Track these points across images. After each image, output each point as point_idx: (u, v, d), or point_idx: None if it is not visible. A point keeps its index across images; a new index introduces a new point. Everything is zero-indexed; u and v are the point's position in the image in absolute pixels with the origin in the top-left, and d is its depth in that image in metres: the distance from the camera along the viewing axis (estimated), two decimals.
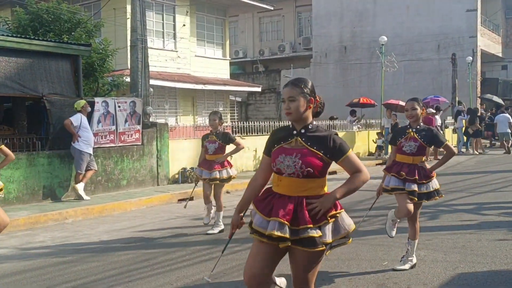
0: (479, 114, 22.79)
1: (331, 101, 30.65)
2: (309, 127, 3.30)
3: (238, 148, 7.73)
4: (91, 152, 10.52)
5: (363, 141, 20.47)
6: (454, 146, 22.86)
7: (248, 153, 15.19)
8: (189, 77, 19.95)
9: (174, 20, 19.95)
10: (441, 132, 20.45)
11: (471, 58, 27.54)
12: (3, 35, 10.75)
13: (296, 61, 33.07)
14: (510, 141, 20.97)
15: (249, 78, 32.17)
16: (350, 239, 3.33)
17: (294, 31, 34.40)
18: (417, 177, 5.34)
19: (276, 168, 3.29)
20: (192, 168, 12.88)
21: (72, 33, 14.06)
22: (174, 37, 19.91)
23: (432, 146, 5.76)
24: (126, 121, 11.81)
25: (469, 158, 19.30)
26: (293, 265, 3.28)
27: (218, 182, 7.60)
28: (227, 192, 11.38)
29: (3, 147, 6.33)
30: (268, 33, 35.39)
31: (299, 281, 3.28)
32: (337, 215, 3.26)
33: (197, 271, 5.61)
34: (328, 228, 3.20)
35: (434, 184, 5.46)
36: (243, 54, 34.05)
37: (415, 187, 5.34)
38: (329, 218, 3.20)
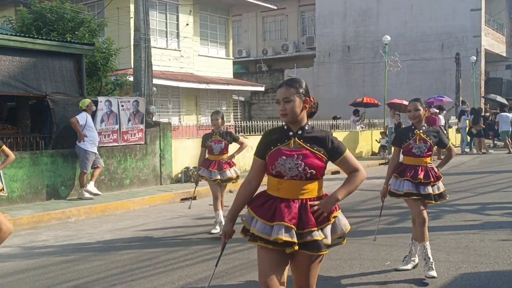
0: (482, 114, 22.72)
1: (334, 100, 30.82)
2: (306, 128, 3.24)
3: (243, 147, 7.63)
4: (96, 151, 10.55)
5: (366, 141, 20.45)
6: (457, 146, 22.84)
7: (251, 153, 14.99)
8: (192, 77, 19.96)
9: (177, 20, 19.96)
10: (445, 132, 20.43)
11: (475, 57, 27.46)
12: (6, 34, 10.77)
13: (300, 60, 33.05)
14: None
15: (252, 78, 32.17)
16: (345, 240, 3.30)
17: (297, 30, 34.38)
18: (432, 180, 5.26)
19: (275, 171, 3.17)
20: (195, 167, 12.89)
21: (76, 32, 14.09)
22: (178, 36, 19.92)
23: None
24: (129, 120, 11.82)
25: (472, 158, 19.25)
26: (295, 268, 3.22)
27: (233, 181, 7.53)
28: (230, 192, 11.38)
29: (4, 147, 6.34)
30: (271, 33, 35.38)
31: (302, 284, 3.23)
32: (337, 215, 3.25)
33: (199, 270, 5.62)
34: (329, 229, 3.18)
35: (442, 185, 5.42)
36: (246, 54, 34.06)
37: (430, 189, 5.27)
38: (331, 219, 3.18)
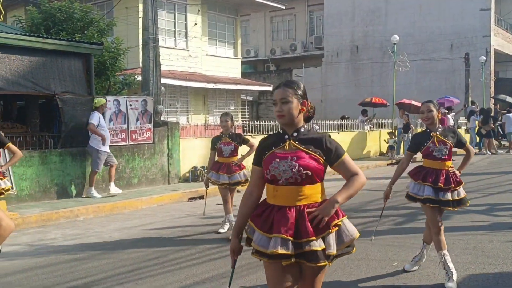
0: (492, 114, 22.60)
1: (343, 100, 30.78)
2: (301, 130, 3.10)
3: (252, 149, 7.34)
4: (108, 150, 10.62)
5: (374, 141, 20.39)
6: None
7: None
8: (200, 76, 19.99)
9: (185, 19, 20.00)
10: None
11: (484, 57, 27.30)
12: (16, 34, 10.84)
13: (308, 60, 33.01)
14: None
15: (260, 77, 32.17)
16: (355, 248, 3.09)
17: (305, 30, 34.34)
18: (452, 185, 5.07)
19: (270, 176, 3.02)
20: (202, 167, 12.92)
21: (85, 32, 14.15)
22: (186, 36, 19.95)
23: None
24: (137, 119, 11.86)
25: (482, 158, 19.14)
26: (301, 278, 3.06)
27: (242, 184, 7.35)
28: (237, 191, 11.38)
29: (10, 144, 6.33)
30: (279, 32, 35.36)
31: None
32: (339, 223, 3.01)
33: (207, 270, 5.63)
34: (332, 238, 2.97)
35: (462, 191, 5.19)
36: (254, 53, 34.06)
37: (449, 196, 5.06)
38: (332, 228, 2.96)
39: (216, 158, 7.47)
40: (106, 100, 11.01)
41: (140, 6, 15.68)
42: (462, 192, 5.18)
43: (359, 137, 19.57)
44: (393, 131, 20.17)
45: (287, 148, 3.06)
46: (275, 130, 16.10)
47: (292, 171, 2.97)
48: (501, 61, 33.22)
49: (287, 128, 3.11)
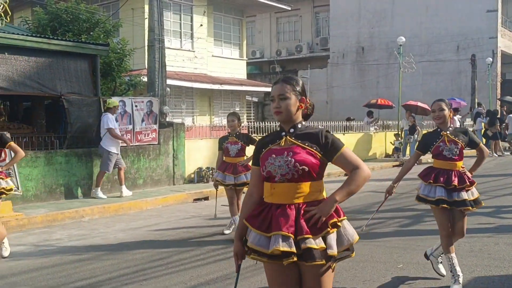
0: (498, 116, 22.51)
1: (348, 102, 30.74)
2: (299, 126, 3.02)
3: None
4: (119, 152, 10.67)
5: (380, 143, 20.34)
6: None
7: None
8: (206, 77, 20.01)
9: (191, 20, 20.03)
10: None
11: (491, 59, 27.19)
12: (23, 34, 10.88)
13: (314, 61, 32.98)
14: None
15: (266, 79, 32.15)
16: (353, 253, 2.96)
17: (311, 31, 34.32)
18: (468, 183, 4.95)
19: (266, 172, 2.94)
20: (208, 168, 12.93)
21: (91, 33, 14.20)
22: (192, 37, 19.98)
23: None
24: (143, 120, 11.89)
25: (488, 160, 19.01)
26: (303, 282, 2.93)
27: (247, 186, 7.21)
28: (243, 193, 11.39)
29: (11, 143, 6.30)
30: (285, 33, 35.35)
31: None
32: (339, 223, 2.88)
33: (211, 271, 5.62)
34: (333, 238, 2.85)
35: (476, 191, 5.07)
36: (260, 54, 34.07)
37: (464, 195, 4.92)
38: (330, 227, 2.83)
39: (224, 159, 7.43)
40: (103, 100, 11.05)
41: (146, 7, 15.72)
42: (475, 192, 5.05)
43: (365, 139, 19.53)
44: (399, 132, 20.11)
45: (283, 144, 2.98)
46: None
47: (288, 166, 2.88)
48: (508, 62, 33.06)
49: (284, 125, 3.04)
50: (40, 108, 12.15)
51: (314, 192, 2.93)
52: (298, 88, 3.02)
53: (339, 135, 18.25)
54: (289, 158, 2.89)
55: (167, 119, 13.00)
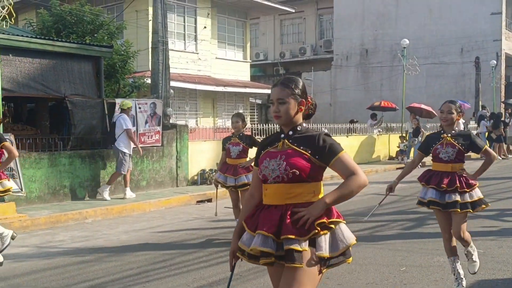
0: (502, 118, 22.45)
1: (352, 104, 30.70)
2: (298, 128, 2.97)
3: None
4: (131, 153, 10.76)
5: (383, 145, 20.31)
6: None
7: None
8: (209, 79, 20.03)
9: (195, 22, 20.05)
10: None
11: (495, 61, 27.13)
12: (27, 36, 10.92)
13: (317, 63, 32.97)
14: None
15: (270, 81, 32.11)
16: (351, 258, 2.91)
17: (315, 33, 34.30)
18: (458, 185, 4.89)
19: (262, 175, 2.94)
20: (211, 170, 12.93)
21: (95, 35, 14.24)
22: (195, 39, 20.01)
23: None
24: (146, 122, 11.90)
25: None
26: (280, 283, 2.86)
27: (247, 187, 7.11)
28: None
29: (5, 143, 6.22)
30: (289, 36, 35.35)
31: None
32: (332, 225, 2.83)
33: (214, 273, 5.62)
34: (324, 240, 2.79)
35: (478, 193, 4.97)
36: (263, 57, 34.07)
37: (456, 197, 4.86)
38: (318, 228, 2.77)
39: (226, 160, 7.41)
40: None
41: (150, 9, 15.75)
42: (475, 194, 4.95)
43: (368, 141, 19.50)
44: (405, 135, 20.07)
45: (279, 147, 2.97)
46: None
47: (279, 170, 2.87)
48: None
49: (284, 127, 3.01)
50: (44, 109, 12.18)
51: (307, 194, 2.88)
52: (297, 91, 2.96)
53: (342, 138, 18.24)
54: (281, 162, 2.88)
55: (171, 121, 13.01)
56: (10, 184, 6.52)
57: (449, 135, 4.99)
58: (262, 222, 2.84)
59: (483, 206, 5.01)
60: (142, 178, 11.68)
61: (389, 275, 5.43)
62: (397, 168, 17.63)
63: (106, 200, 10.32)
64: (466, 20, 28.96)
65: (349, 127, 19.41)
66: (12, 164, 8.45)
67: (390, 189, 5.25)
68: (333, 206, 2.91)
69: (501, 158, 20.44)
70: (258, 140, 7.44)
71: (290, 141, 2.95)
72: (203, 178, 12.99)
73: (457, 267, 4.94)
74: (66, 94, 10.73)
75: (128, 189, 10.73)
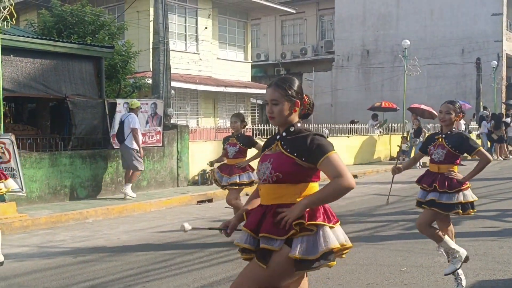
0: (504, 119, 22.44)
1: (353, 104, 30.70)
2: (291, 129, 2.97)
3: (259, 153, 7.10)
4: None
5: (384, 146, 20.30)
6: None
7: None
8: (210, 80, 20.03)
9: (196, 23, 20.06)
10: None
11: (496, 62, 27.12)
12: (28, 37, 10.93)
13: (318, 64, 32.98)
14: None
15: (271, 81, 32.09)
16: (334, 262, 2.84)
17: (316, 34, 34.31)
18: (436, 185, 4.90)
19: (258, 177, 3.05)
20: (212, 170, 12.92)
21: (96, 35, 14.25)
22: (196, 39, 20.01)
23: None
24: (147, 122, 11.91)
25: (493, 163, 18.95)
26: None
27: (237, 187, 7.25)
28: (246, 195, 11.39)
29: None
30: (290, 36, 35.35)
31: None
32: (313, 228, 2.80)
33: (215, 273, 5.62)
34: (301, 242, 2.77)
35: (463, 196, 4.91)
36: (264, 57, 34.08)
37: (432, 195, 4.92)
38: (296, 229, 2.77)
39: (225, 160, 7.48)
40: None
41: (151, 10, 15.75)
42: (461, 196, 4.91)
43: (369, 142, 19.49)
44: (406, 135, 20.06)
45: (273, 149, 3.00)
46: None
47: (266, 173, 2.93)
48: None
49: (280, 128, 3.03)
50: (45, 109, 12.19)
51: (292, 196, 2.88)
52: (291, 92, 2.94)
53: (343, 138, 18.25)
54: (269, 165, 2.93)
55: (172, 121, 13.02)
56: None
57: (443, 136, 5.00)
58: (248, 220, 2.97)
59: (459, 211, 4.92)
60: (142, 178, 11.68)
61: (390, 276, 5.42)
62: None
63: (132, 197, 10.45)
64: (467, 21, 28.96)
65: (350, 128, 19.41)
66: (13, 164, 8.46)
67: (394, 171, 5.23)
68: (326, 208, 2.90)
69: (502, 159, 20.42)
70: (257, 141, 7.45)
71: (282, 143, 2.96)
72: (204, 178, 12.99)
73: (457, 268, 4.93)
74: (67, 94, 10.74)
75: (129, 186, 10.67)
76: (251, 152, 7.39)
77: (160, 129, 12.16)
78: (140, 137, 10.80)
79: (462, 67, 29.02)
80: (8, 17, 8.61)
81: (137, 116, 10.86)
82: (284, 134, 2.99)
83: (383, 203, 9.48)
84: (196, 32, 20.03)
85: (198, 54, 20.09)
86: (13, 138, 8.61)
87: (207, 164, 8.05)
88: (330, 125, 18.59)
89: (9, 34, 10.08)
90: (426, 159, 5.48)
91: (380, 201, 10.15)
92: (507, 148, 21.38)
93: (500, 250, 6.38)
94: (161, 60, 12.57)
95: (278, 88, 2.96)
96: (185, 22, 19.79)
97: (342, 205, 10.23)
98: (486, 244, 6.68)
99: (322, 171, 2.87)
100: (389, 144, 20.50)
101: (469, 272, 5.42)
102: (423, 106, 20.73)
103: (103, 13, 15.65)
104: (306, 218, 2.80)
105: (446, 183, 4.91)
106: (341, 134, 18.51)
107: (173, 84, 14.57)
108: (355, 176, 15.15)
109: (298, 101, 2.97)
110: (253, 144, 7.30)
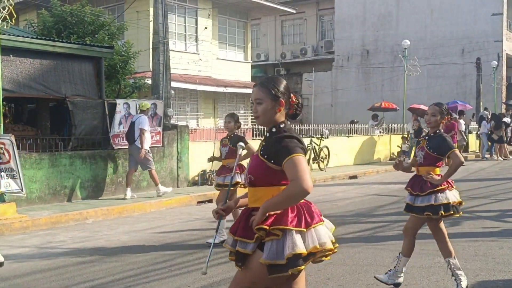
0: (504, 119, 22.43)
1: (353, 105, 30.70)
2: (273, 130, 2.92)
3: (249, 153, 6.98)
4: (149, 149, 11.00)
5: (384, 146, 20.30)
6: (477, 152, 22.53)
7: None
8: (210, 80, 20.03)
9: (196, 23, 20.07)
10: (465, 137, 20.18)
11: (496, 62, 27.12)
12: (28, 37, 10.92)
13: (318, 64, 32.99)
14: None
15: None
16: (297, 268, 2.73)
17: (316, 34, 34.31)
18: (410, 188, 4.98)
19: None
20: (211, 170, 12.92)
21: (95, 36, 14.24)
22: (196, 39, 20.02)
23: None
24: None
25: (493, 164, 19.00)
26: None
27: (222, 188, 7.21)
28: None
29: None
30: (290, 36, 35.36)
31: None
32: (277, 232, 2.75)
33: (214, 274, 5.61)
34: (269, 246, 2.75)
35: (435, 198, 4.84)
36: (264, 57, 34.08)
37: (408, 199, 5.02)
38: (259, 233, 2.77)
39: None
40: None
41: (151, 10, 15.75)
42: (433, 199, 4.85)
43: (369, 142, 19.49)
44: (406, 136, 20.06)
45: (259, 151, 2.98)
46: None
47: (246, 175, 2.99)
48: None
49: (267, 128, 3.00)
50: (44, 110, 12.18)
51: (266, 199, 2.82)
52: (274, 92, 2.91)
53: (343, 138, 18.25)
54: (248, 167, 2.99)
55: (171, 122, 13.01)
56: None
57: (426, 138, 5.04)
58: (234, 223, 3.02)
59: (428, 213, 4.88)
60: (142, 178, 11.68)
61: None
62: None
63: (168, 191, 10.79)
64: (467, 21, 28.96)
65: (350, 128, 19.41)
66: (12, 165, 8.45)
67: (401, 163, 5.19)
68: (302, 210, 2.83)
69: (502, 159, 20.42)
70: (246, 141, 7.17)
71: (263, 144, 2.95)
72: (204, 179, 12.98)
73: (455, 267, 4.90)
74: (67, 94, 10.74)
75: (129, 189, 10.73)
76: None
77: (160, 129, 12.16)
78: (149, 139, 10.93)
79: (462, 67, 29.02)
80: (8, 17, 8.60)
81: (147, 117, 11.01)
82: (267, 135, 2.96)
83: (383, 204, 9.49)
84: (196, 32, 20.03)
85: (198, 54, 20.09)
86: (12, 138, 8.60)
87: (208, 160, 8.10)
88: (330, 125, 18.59)
89: (9, 34, 10.06)
90: None
91: (381, 202, 10.16)
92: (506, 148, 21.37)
93: (500, 250, 6.37)
94: (160, 60, 12.57)
95: (262, 87, 2.94)
96: (185, 22, 19.80)
97: (342, 205, 10.24)
98: (486, 244, 6.68)
99: (286, 173, 2.79)
100: (389, 144, 20.50)
101: (469, 272, 5.42)
102: (422, 107, 20.75)
103: (102, 13, 15.65)
104: (270, 222, 2.76)
105: (420, 185, 4.94)
106: (341, 134, 18.50)
107: (173, 84, 14.57)
108: (355, 177, 15.14)
109: (283, 101, 2.93)
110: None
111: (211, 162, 8.24)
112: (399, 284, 5.04)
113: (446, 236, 5.03)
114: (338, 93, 32.26)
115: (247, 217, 2.89)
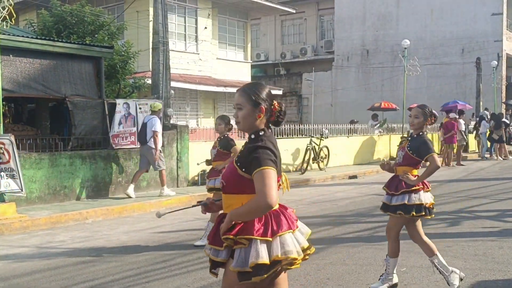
0: (503, 119, 22.43)
1: (352, 104, 30.72)
2: (252, 136, 2.90)
3: (234, 156, 6.82)
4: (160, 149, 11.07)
5: (384, 146, 20.29)
6: (477, 152, 22.52)
7: None
8: (210, 80, 20.04)
9: (196, 23, 20.07)
10: (465, 137, 20.17)
11: (496, 62, 27.12)
12: (27, 37, 10.92)
13: (318, 64, 33.00)
14: None
15: (271, 81, 32.20)
16: (257, 277, 2.71)
17: (316, 34, 34.33)
18: (386, 188, 5.04)
19: None
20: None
21: (95, 36, 14.24)
22: (196, 39, 20.02)
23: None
24: None
25: (492, 164, 19.00)
26: None
27: (214, 191, 7.05)
28: None
29: None
30: (290, 36, 35.37)
31: None
32: (243, 241, 2.75)
33: None
34: (238, 254, 2.76)
35: (408, 198, 4.87)
36: (264, 57, 34.10)
37: (384, 198, 5.06)
38: (225, 242, 2.80)
39: None
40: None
41: (151, 10, 15.75)
42: (406, 198, 4.87)
43: (369, 142, 19.49)
44: (407, 135, 20.05)
45: None
46: (285, 135, 16.08)
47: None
48: None
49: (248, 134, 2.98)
50: (44, 110, 12.18)
51: (238, 205, 2.82)
52: (255, 97, 2.88)
53: (343, 138, 18.24)
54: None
55: (171, 122, 13.01)
56: None
57: (409, 138, 5.09)
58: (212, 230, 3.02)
59: (423, 214, 4.89)
60: (142, 178, 11.67)
61: None
62: None
63: (172, 195, 10.81)
64: (467, 21, 28.98)
65: (350, 128, 19.41)
66: (12, 165, 8.45)
67: (388, 164, 5.26)
68: (271, 218, 2.80)
69: (502, 159, 20.42)
70: (236, 144, 7.11)
71: (241, 150, 2.94)
72: (203, 179, 12.94)
73: (438, 265, 4.87)
74: (67, 94, 10.74)
75: (131, 187, 10.72)
76: None
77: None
78: (160, 140, 11.03)
79: (462, 67, 29.03)
80: (8, 17, 8.61)
81: (159, 118, 11.07)
82: (247, 141, 2.93)
83: (379, 205, 9.53)
84: (196, 32, 20.04)
85: (198, 54, 20.09)
86: (12, 138, 8.60)
87: (206, 163, 8.07)
88: (330, 125, 18.59)
89: (9, 34, 10.07)
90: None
91: (380, 202, 10.15)
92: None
93: (499, 250, 6.37)
94: (160, 60, 12.57)
95: (243, 92, 2.93)
96: (185, 22, 19.80)
97: (342, 205, 10.24)
98: (486, 244, 6.68)
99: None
100: (389, 144, 20.49)
101: (469, 272, 5.42)
102: None
103: (102, 13, 15.65)
104: (236, 231, 2.76)
105: (395, 185, 4.98)
106: (341, 134, 18.50)
107: (173, 84, 14.57)
108: (354, 177, 15.14)
109: (263, 108, 2.89)
110: (227, 147, 7.10)
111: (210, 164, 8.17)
112: (395, 284, 5.04)
113: (423, 236, 5.04)
114: (338, 93, 32.26)
115: (219, 223, 2.89)
